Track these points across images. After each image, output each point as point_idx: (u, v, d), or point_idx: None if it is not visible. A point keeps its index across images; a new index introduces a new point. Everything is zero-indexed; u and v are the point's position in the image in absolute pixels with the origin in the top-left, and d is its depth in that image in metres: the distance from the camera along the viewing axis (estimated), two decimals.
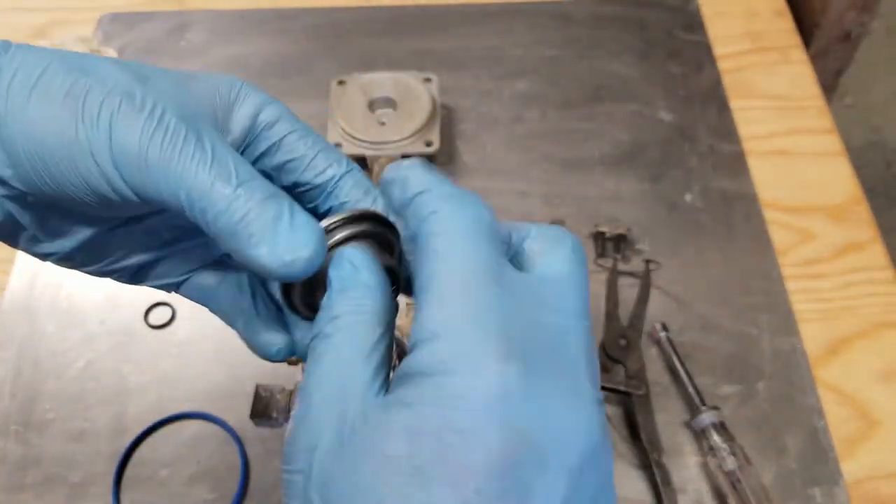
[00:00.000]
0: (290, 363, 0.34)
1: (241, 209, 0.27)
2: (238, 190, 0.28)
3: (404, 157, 0.77)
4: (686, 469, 0.61)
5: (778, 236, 0.74)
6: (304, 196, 0.33)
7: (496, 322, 0.26)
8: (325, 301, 0.29)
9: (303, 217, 0.28)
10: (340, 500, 0.25)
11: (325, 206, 0.33)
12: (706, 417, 0.61)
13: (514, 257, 0.30)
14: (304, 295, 0.32)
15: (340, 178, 0.32)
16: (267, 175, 0.32)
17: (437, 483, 0.24)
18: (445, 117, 0.82)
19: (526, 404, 0.25)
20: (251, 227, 0.27)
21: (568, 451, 0.25)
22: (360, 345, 0.28)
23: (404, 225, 0.30)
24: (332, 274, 0.30)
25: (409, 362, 0.26)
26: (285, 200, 0.28)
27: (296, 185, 0.32)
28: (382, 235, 0.31)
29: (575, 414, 0.26)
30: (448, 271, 0.27)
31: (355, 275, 0.29)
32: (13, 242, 0.33)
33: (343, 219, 0.30)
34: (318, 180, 0.32)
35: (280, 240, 0.27)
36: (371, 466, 0.25)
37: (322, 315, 0.29)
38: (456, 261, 0.27)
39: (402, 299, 0.39)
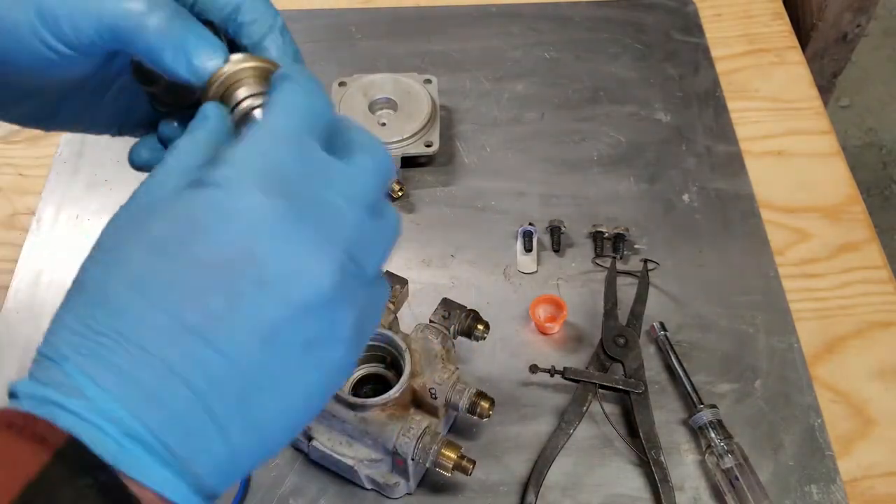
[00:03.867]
0: None
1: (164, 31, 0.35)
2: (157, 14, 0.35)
3: (405, 158, 0.78)
4: (684, 466, 0.62)
5: (775, 236, 0.75)
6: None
7: (273, 169, 0.31)
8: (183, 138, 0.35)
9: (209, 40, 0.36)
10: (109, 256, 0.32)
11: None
12: (704, 415, 0.61)
13: (337, 148, 0.35)
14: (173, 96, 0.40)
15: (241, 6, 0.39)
16: None
17: (172, 258, 0.30)
18: (445, 118, 0.83)
19: (268, 231, 0.30)
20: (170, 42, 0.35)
21: (291, 285, 0.30)
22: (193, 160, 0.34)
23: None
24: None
25: (198, 178, 0.32)
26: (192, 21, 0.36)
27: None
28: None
29: (313, 262, 0.31)
30: (260, 129, 0.33)
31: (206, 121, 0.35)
32: None
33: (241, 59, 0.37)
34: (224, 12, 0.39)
35: (194, 51, 0.35)
36: (140, 237, 0.31)
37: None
38: (271, 122, 0.33)
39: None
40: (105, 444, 0.28)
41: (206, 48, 0.36)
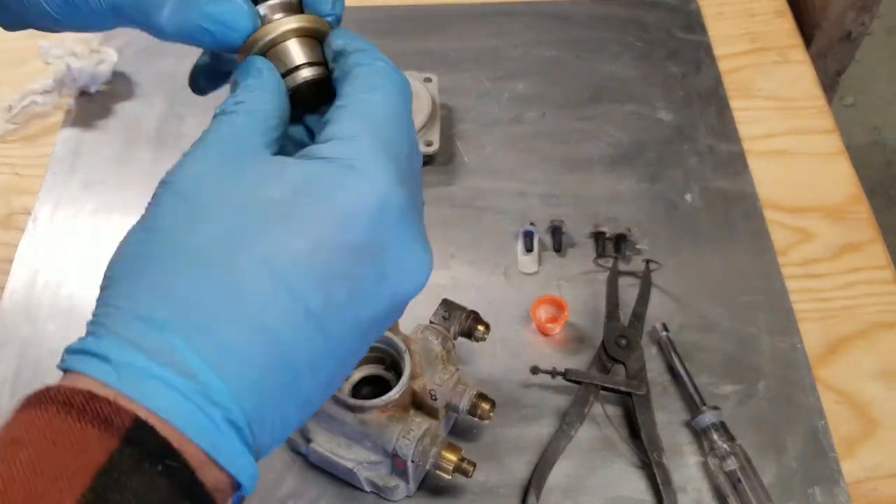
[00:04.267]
0: None
1: None
2: None
3: None
4: (686, 469, 0.61)
5: (778, 236, 0.74)
6: None
7: (394, 153, 0.32)
8: (233, 85, 0.34)
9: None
10: (201, 213, 0.29)
11: None
12: (706, 417, 0.61)
13: None
14: None
15: None
16: None
17: (299, 222, 0.29)
18: (445, 117, 0.82)
19: (394, 222, 0.31)
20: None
21: (403, 283, 0.32)
22: (258, 122, 0.32)
23: (340, 52, 0.36)
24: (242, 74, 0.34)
25: (313, 149, 0.31)
26: None
27: None
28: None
29: (422, 258, 0.33)
30: (375, 104, 0.33)
31: (261, 77, 0.34)
32: None
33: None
34: None
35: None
36: (242, 198, 0.29)
37: (228, 97, 0.34)
38: (382, 102, 0.33)
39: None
40: (192, 418, 0.27)
41: (230, 21, 0.34)
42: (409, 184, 0.32)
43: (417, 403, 0.57)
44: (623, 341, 0.65)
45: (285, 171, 0.30)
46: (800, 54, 0.89)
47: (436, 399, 0.56)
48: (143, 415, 0.26)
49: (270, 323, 0.28)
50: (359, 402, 0.54)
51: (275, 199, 0.29)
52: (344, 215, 0.29)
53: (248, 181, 0.30)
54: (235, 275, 0.28)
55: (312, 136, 0.38)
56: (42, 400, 0.26)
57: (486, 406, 0.57)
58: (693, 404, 0.63)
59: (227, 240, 0.29)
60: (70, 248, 0.73)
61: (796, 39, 0.91)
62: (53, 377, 0.70)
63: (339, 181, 0.30)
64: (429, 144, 0.77)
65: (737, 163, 0.79)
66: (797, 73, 0.88)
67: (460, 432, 0.63)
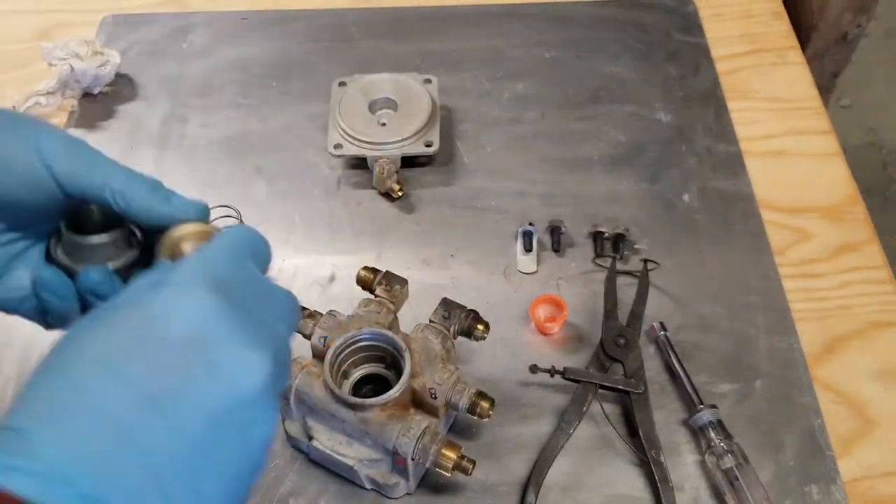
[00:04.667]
0: None
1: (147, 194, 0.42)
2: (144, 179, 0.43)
3: (405, 158, 0.78)
4: (684, 467, 0.62)
5: (775, 236, 0.75)
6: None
7: (218, 276, 0.37)
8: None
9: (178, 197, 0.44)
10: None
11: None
12: (704, 416, 0.61)
13: None
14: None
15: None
16: None
17: (135, 341, 0.34)
18: (445, 118, 0.83)
19: (214, 323, 0.35)
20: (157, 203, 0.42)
21: (236, 372, 0.35)
22: None
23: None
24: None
25: (157, 280, 0.36)
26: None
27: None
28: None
29: (254, 355, 0.35)
30: (208, 247, 0.39)
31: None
32: None
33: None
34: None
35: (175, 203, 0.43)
36: (107, 326, 0.35)
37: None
38: (217, 244, 0.39)
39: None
40: (47, 493, 0.29)
41: (184, 202, 0.43)
42: (233, 297, 0.36)
43: (417, 402, 0.58)
44: (621, 340, 0.66)
45: (133, 300, 0.36)
46: (797, 56, 0.90)
47: (435, 397, 0.56)
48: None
49: (112, 413, 0.32)
50: (359, 401, 0.55)
51: (121, 322, 0.35)
52: (165, 322, 0.34)
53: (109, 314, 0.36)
54: (84, 380, 0.33)
55: None
56: None
57: (485, 404, 0.57)
58: (691, 403, 0.63)
59: (79, 354, 0.34)
60: None
61: (793, 41, 0.91)
62: None
63: (161, 295, 0.35)
64: (429, 145, 0.77)
65: (734, 163, 0.80)
66: (794, 75, 0.88)
67: (460, 430, 0.63)
